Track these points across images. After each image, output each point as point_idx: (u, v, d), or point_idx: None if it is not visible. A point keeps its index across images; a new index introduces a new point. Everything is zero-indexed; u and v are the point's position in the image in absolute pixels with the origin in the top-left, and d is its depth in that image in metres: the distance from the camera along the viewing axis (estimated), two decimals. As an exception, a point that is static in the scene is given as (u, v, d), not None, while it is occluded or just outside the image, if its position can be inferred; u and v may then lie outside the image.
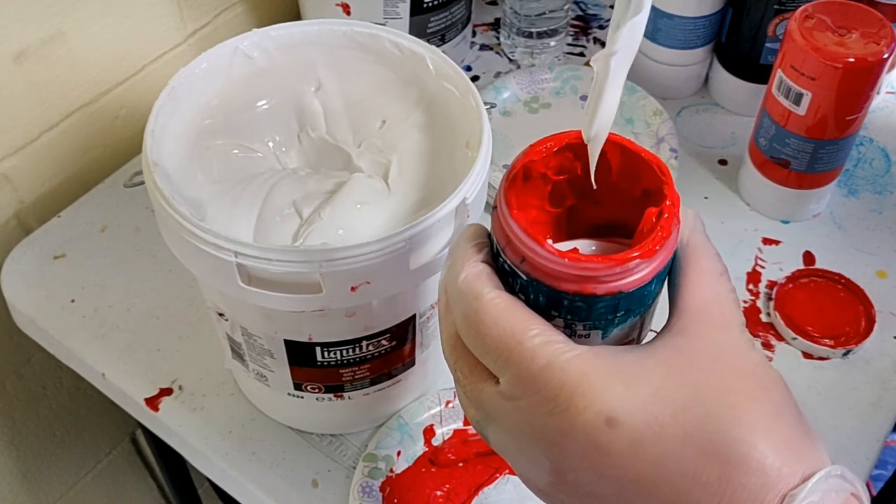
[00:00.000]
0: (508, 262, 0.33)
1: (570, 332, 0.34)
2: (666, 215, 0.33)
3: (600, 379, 0.31)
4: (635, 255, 0.32)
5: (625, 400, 0.31)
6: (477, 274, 0.34)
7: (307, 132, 0.57)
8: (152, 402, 0.62)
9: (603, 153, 0.35)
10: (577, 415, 0.31)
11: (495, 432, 0.34)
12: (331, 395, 0.56)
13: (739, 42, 0.80)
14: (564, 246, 0.37)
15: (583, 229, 0.38)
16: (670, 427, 0.30)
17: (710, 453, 0.30)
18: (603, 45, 0.90)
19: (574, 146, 0.35)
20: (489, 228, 0.36)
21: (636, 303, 0.34)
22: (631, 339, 0.36)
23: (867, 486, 0.79)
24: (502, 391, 0.33)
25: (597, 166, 0.36)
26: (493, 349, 0.33)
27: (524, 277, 0.33)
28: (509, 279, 0.34)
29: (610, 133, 0.35)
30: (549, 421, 0.31)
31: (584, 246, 0.38)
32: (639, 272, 0.32)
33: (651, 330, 0.36)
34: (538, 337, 0.32)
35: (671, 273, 0.35)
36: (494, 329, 0.32)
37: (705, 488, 0.30)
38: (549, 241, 0.33)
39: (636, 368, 0.32)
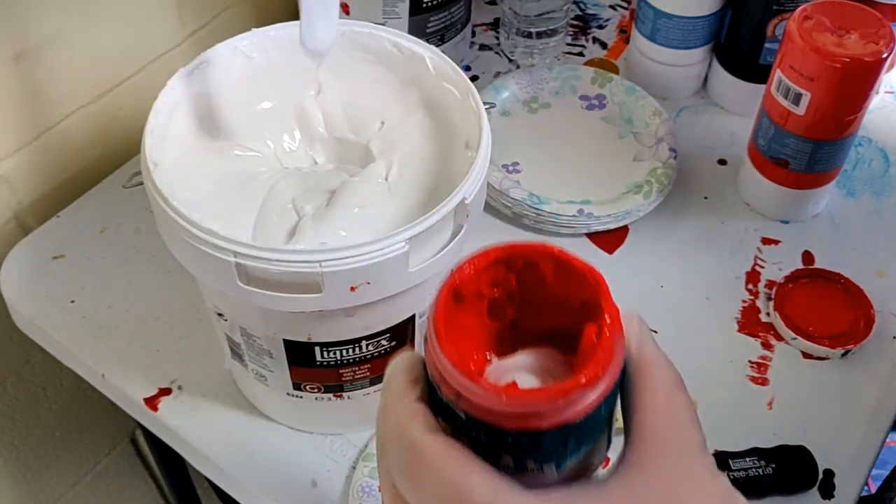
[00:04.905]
0: (445, 398, 0.31)
1: (521, 469, 0.31)
2: (606, 333, 0.30)
3: None
4: (578, 382, 0.29)
5: None
6: (411, 416, 0.31)
7: (319, 130, 0.58)
8: (152, 403, 0.62)
9: (535, 265, 0.33)
10: None
11: None
12: (330, 395, 0.56)
13: (739, 42, 0.80)
14: (508, 363, 0.34)
15: (528, 338, 0.35)
16: None
17: None
18: (603, 45, 0.90)
19: (505, 260, 0.33)
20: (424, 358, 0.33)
21: (587, 432, 0.31)
22: (590, 463, 0.33)
23: (867, 485, 0.79)
24: None
25: (531, 279, 0.33)
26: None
27: (463, 416, 0.30)
28: (448, 414, 0.31)
29: (541, 244, 0.33)
30: None
31: (529, 360, 0.35)
32: (584, 401, 0.30)
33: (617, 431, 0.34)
34: (481, 487, 0.29)
35: (623, 390, 0.33)
36: (433, 482, 0.29)
37: None
38: (488, 372, 0.31)
39: None
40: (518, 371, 0.35)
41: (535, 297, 0.34)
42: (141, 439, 0.98)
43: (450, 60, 0.55)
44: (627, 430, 0.32)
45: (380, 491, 0.34)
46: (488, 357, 0.34)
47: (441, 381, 0.31)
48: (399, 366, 0.33)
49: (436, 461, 0.30)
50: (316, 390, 0.55)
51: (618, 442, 0.33)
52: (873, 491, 1.01)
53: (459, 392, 0.30)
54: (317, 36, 0.51)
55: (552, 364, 0.35)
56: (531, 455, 0.31)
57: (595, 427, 0.31)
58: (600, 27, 0.92)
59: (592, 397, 0.30)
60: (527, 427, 0.30)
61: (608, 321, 0.31)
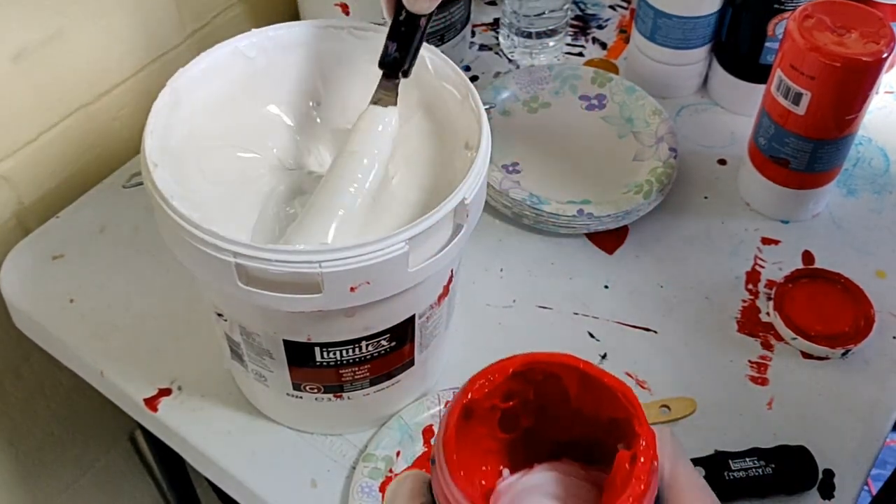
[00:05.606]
0: None
1: None
2: (641, 459, 0.28)
3: None
4: None
5: None
6: None
7: (319, 130, 0.57)
8: (151, 403, 0.62)
9: (557, 377, 0.31)
10: None
11: None
12: (330, 396, 0.56)
13: (739, 42, 0.79)
14: (525, 482, 0.32)
15: (544, 447, 0.33)
16: None
17: None
18: (603, 45, 0.90)
19: (523, 373, 0.31)
20: (430, 479, 0.31)
21: None
22: None
23: (867, 485, 0.79)
24: None
25: (551, 390, 0.31)
26: None
27: None
28: None
29: (565, 356, 0.31)
30: None
31: (547, 480, 0.33)
32: None
33: None
34: None
35: None
36: None
37: None
38: (501, 489, 0.29)
39: None
40: (537, 496, 0.32)
41: (554, 408, 0.32)
42: (140, 439, 0.98)
43: (449, 61, 0.55)
44: None
45: None
46: (500, 470, 0.33)
47: None
48: (402, 490, 0.31)
49: None
50: (316, 391, 0.55)
51: None
52: (874, 492, 1.01)
53: None
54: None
55: (574, 482, 0.32)
56: None
57: None
58: (600, 27, 0.92)
59: None
60: None
61: (643, 446, 0.28)
